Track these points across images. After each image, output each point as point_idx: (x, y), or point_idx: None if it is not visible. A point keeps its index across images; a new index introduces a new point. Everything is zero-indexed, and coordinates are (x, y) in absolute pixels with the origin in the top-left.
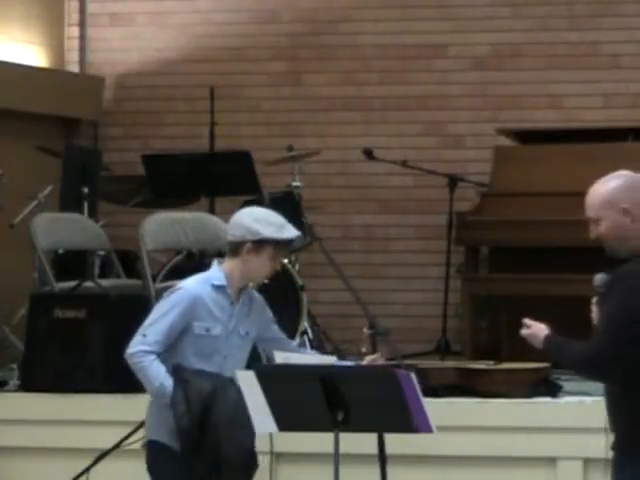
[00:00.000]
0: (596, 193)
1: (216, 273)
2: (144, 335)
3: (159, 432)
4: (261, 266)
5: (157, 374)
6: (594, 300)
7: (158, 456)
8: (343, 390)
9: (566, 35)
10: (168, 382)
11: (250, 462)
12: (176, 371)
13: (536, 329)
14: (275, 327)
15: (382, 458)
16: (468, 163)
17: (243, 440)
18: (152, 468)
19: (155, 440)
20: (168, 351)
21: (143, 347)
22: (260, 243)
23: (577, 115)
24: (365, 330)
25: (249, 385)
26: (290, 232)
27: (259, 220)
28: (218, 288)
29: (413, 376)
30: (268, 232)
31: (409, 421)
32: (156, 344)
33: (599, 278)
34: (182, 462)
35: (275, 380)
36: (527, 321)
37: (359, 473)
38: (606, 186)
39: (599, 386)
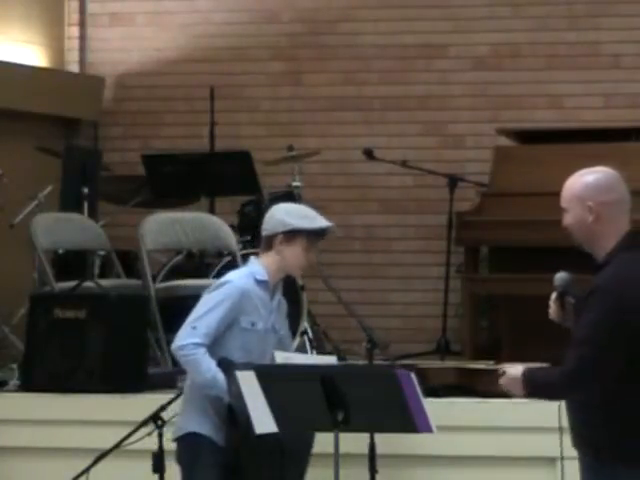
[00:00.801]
0: (569, 184)
1: (257, 268)
2: (194, 327)
3: (203, 425)
4: (295, 257)
5: (209, 367)
6: (553, 297)
7: (200, 448)
8: (343, 390)
9: (566, 35)
10: (220, 375)
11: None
12: (224, 364)
13: (510, 376)
14: (287, 325)
15: (372, 457)
16: (468, 163)
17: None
18: (190, 460)
19: (197, 432)
20: (214, 344)
21: (193, 339)
22: (292, 234)
23: (577, 115)
24: (364, 344)
25: (249, 385)
26: (322, 222)
27: (290, 212)
28: (261, 283)
29: (413, 376)
30: (299, 223)
31: (410, 421)
32: (206, 337)
33: (559, 277)
34: (226, 457)
35: (275, 380)
36: (503, 368)
37: (359, 473)
38: (580, 179)
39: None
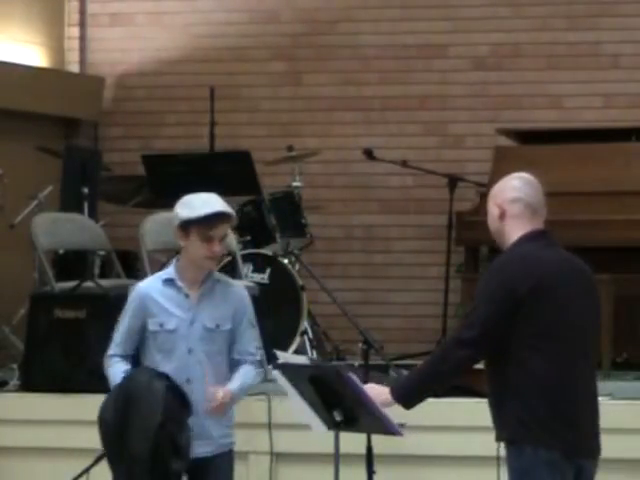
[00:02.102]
0: (494, 186)
1: (169, 268)
2: (113, 340)
3: None
4: (196, 249)
5: (114, 376)
6: None
7: None
8: (338, 389)
9: (566, 35)
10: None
11: (150, 458)
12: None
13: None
14: (246, 318)
15: (369, 458)
16: (468, 163)
17: (145, 435)
18: None
19: None
20: (141, 351)
21: (109, 351)
22: (183, 226)
23: (577, 115)
24: (360, 345)
25: (285, 386)
26: (206, 209)
27: (182, 204)
28: (167, 282)
29: (354, 376)
30: (185, 214)
31: (382, 423)
32: (117, 347)
33: None
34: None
35: (296, 380)
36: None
37: (359, 473)
38: (500, 182)
39: (600, 387)
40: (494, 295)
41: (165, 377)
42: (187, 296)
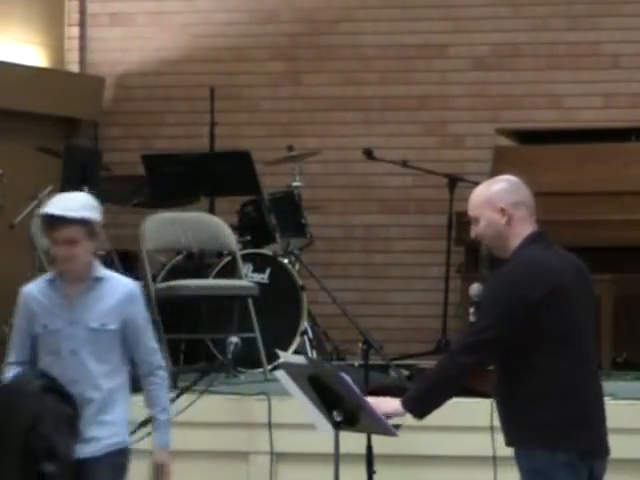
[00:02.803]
0: (476, 193)
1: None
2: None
3: None
4: (53, 249)
5: None
6: (471, 311)
7: None
8: (337, 389)
9: (566, 35)
10: None
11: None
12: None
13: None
14: (141, 342)
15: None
16: (468, 163)
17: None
18: None
19: None
20: (37, 355)
21: (6, 359)
22: (43, 226)
23: (577, 115)
24: (360, 345)
25: (289, 386)
26: (47, 209)
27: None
28: (49, 282)
29: (347, 377)
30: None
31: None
32: (12, 353)
33: (475, 288)
34: None
35: (296, 379)
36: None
37: (359, 473)
38: (488, 187)
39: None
40: (502, 301)
41: (46, 378)
42: (66, 296)
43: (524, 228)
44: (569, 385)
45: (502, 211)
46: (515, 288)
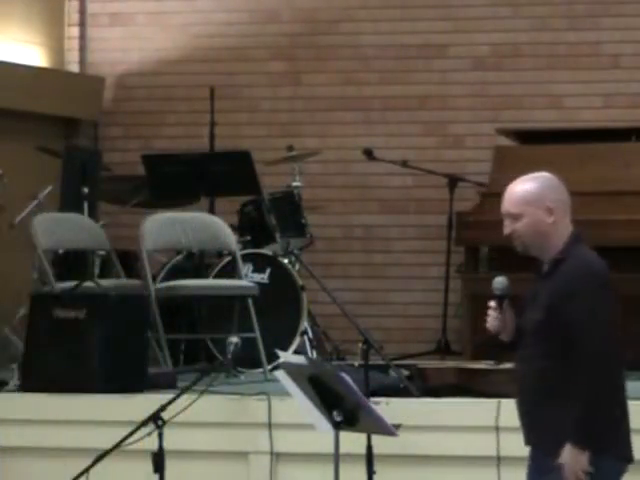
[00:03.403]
0: (519, 190)
1: None
2: None
3: None
4: None
5: None
6: (493, 303)
7: None
8: (336, 389)
9: (566, 35)
10: None
11: None
12: None
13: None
14: None
15: (369, 458)
16: (468, 163)
17: None
18: None
19: None
20: None
21: None
22: None
23: (577, 115)
24: (360, 345)
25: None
26: None
27: None
28: None
29: (347, 377)
30: None
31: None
32: None
33: (500, 281)
34: None
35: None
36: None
37: (359, 473)
38: (531, 184)
39: None
40: (599, 296)
41: None
42: None
43: (566, 227)
44: (618, 384)
45: (549, 210)
46: (599, 282)
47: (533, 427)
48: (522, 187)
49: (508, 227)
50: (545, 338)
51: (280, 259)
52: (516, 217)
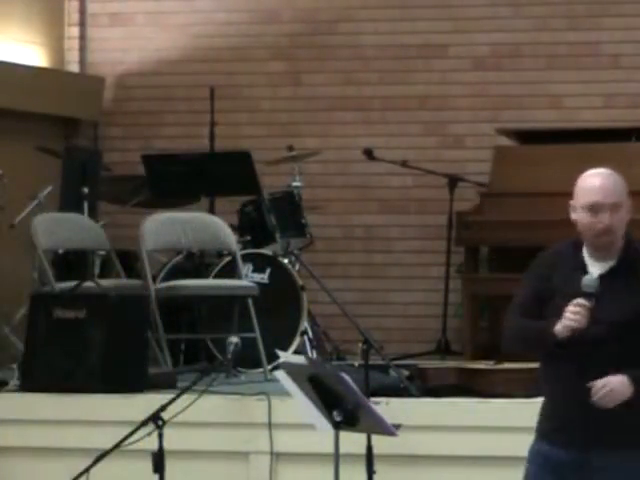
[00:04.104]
0: (615, 180)
1: None
2: None
3: None
4: None
5: None
6: (580, 301)
7: None
8: (336, 389)
9: (566, 35)
10: None
11: None
12: None
13: (612, 384)
14: None
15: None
16: (468, 163)
17: None
18: None
19: None
20: None
21: None
22: None
23: (577, 115)
24: (360, 345)
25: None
26: None
27: None
28: None
29: (347, 377)
30: None
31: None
32: None
33: (590, 279)
34: None
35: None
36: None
37: (359, 473)
38: (619, 177)
39: None
40: None
41: None
42: None
43: None
44: None
45: (626, 202)
46: None
47: (628, 429)
48: (617, 178)
49: (608, 218)
50: None
51: (280, 259)
52: (616, 207)
